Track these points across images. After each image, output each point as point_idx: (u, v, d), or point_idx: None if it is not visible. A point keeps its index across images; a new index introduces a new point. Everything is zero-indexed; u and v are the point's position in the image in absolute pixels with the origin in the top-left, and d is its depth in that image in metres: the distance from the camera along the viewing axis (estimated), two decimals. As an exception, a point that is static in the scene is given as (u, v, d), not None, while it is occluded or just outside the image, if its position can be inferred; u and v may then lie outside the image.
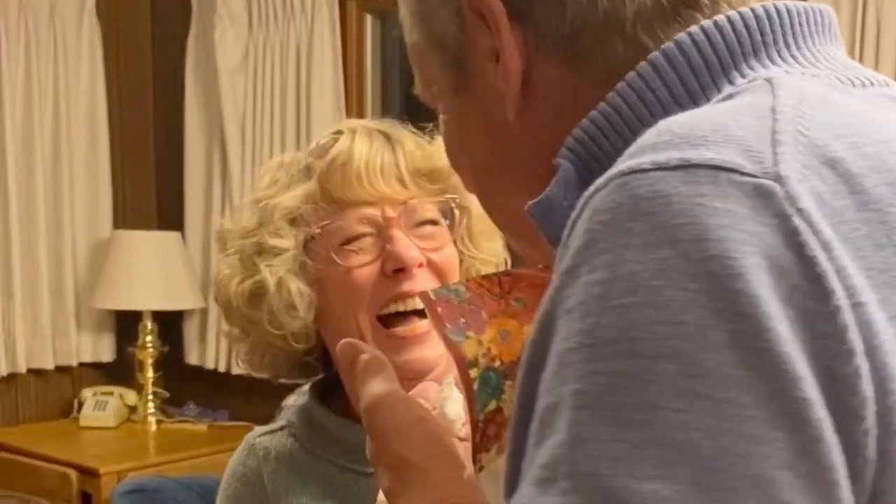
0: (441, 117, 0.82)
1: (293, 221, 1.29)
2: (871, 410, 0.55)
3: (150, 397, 4.15)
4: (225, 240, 1.34)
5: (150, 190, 4.51)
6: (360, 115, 3.85)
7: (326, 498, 1.31)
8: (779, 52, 0.69)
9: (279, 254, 1.28)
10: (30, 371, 4.18)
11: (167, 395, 4.23)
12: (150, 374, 4.15)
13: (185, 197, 4.28)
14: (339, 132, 1.31)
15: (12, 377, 4.13)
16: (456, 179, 1.30)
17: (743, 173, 0.56)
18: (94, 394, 4.17)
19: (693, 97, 0.68)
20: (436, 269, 1.27)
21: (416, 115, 1.38)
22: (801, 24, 0.70)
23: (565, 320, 0.58)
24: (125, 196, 4.44)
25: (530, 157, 0.74)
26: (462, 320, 0.86)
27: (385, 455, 0.84)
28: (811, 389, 0.54)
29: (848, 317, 0.55)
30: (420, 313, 1.25)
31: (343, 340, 0.93)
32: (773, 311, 0.54)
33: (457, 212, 1.32)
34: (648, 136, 0.61)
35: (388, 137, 1.30)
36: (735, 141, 0.58)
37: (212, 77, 4.12)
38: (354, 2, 3.91)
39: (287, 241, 1.28)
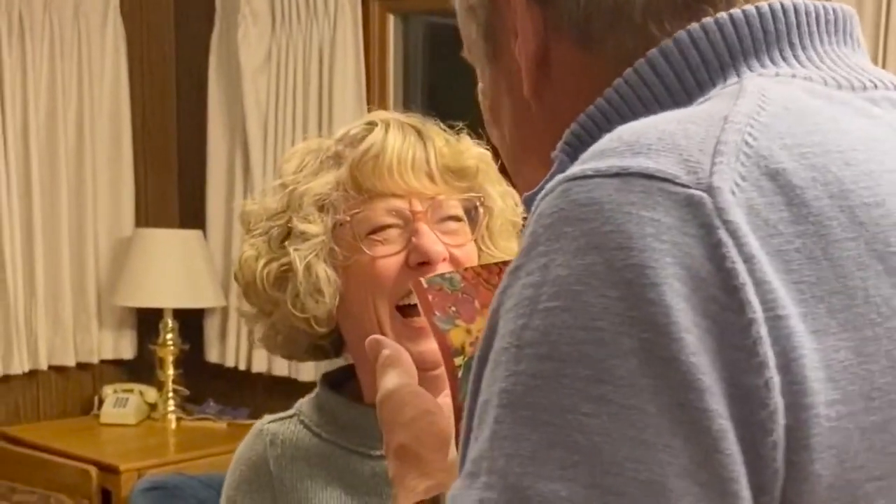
0: (479, 86, 0.83)
1: (322, 207, 1.31)
2: (780, 424, 0.55)
3: (171, 395, 4.16)
4: (249, 221, 1.36)
5: (173, 188, 4.53)
6: (382, 115, 3.85)
7: (332, 480, 1.33)
8: (781, 51, 0.68)
9: (308, 239, 1.30)
10: (51, 368, 4.20)
11: (187, 392, 4.25)
12: (170, 371, 4.16)
13: (206, 195, 4.30)
14: (373, 123, 1.33)
15: (34, 374, 4.16)
16: (481, 179, 1.33)
17: (676, 183, 0.57)
18: (115, 391, 4.18)
19: (689, 94, 0.68)
20: (457, 264, 1.28)
21: (438, 115, 1.39)
22: (808, 24, 0.69)
23: (504, 320, 0.60)
24: (147, 194, 4.45)
25: (550, 136, 0.74)
26: (452, 308, 0.88)
27: (392, 444, 0.88)
28: (715, 400, 0.55)
29: (762, 329, 0.55)
30: None
31: (370, 337, 0.97)
32: (683, 322, 0.55)
33: (480, 210, 1.34)
34: (601, 142, 0.62)
35: (419, 133, 1.32)
36: (676, 150, 0.59)
37: (235, 76, 4.13)
38: (377, 2, 3.92)
39: (316, 227, 1.30)
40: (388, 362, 0.92)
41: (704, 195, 0.57)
